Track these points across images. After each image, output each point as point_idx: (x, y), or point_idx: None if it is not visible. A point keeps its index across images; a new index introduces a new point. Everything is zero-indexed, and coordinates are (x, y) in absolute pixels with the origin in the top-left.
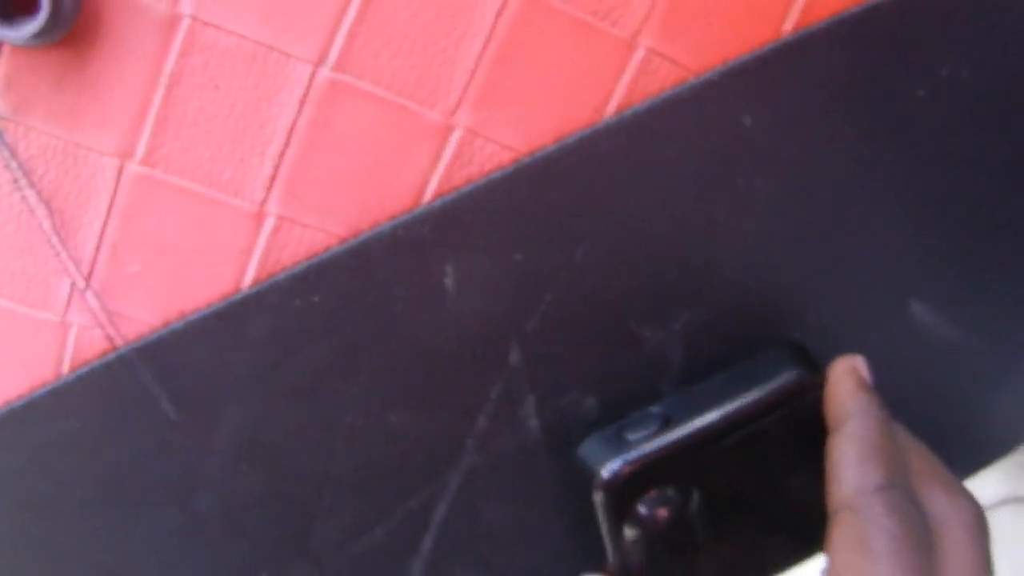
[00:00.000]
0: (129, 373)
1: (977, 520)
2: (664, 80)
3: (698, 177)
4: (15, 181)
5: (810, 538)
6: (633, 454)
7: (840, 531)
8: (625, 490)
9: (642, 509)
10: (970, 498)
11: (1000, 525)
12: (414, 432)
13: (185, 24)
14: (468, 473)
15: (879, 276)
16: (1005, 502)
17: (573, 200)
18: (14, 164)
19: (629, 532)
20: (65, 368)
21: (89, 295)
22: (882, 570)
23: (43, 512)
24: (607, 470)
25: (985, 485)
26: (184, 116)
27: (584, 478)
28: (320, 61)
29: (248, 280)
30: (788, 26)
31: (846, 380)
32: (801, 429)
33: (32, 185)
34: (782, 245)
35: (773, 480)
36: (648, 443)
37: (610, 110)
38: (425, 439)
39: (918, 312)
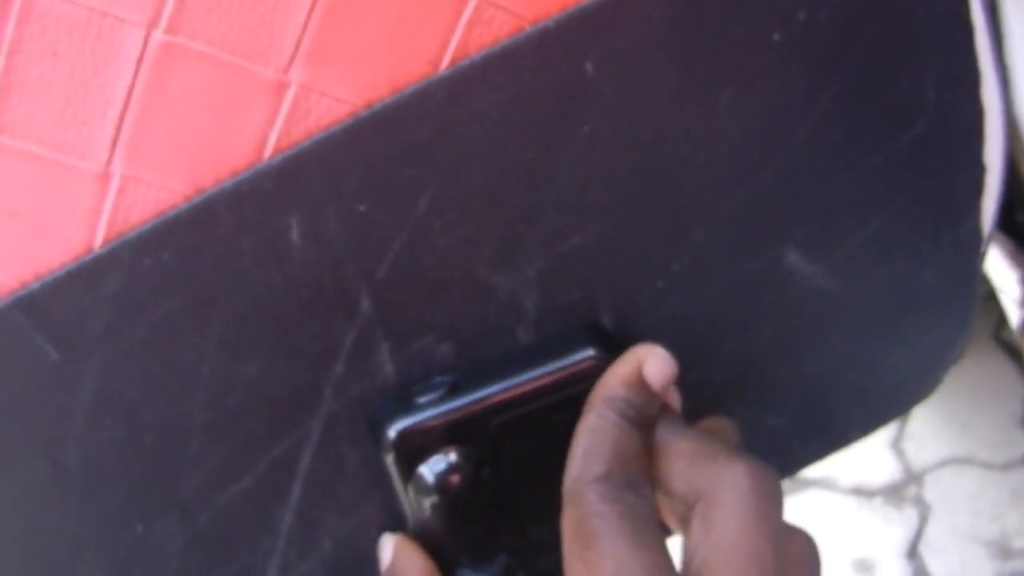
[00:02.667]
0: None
1: (748, 478)
2: (499, 30)
3: (541, 126)
4: None
5: None
6: (419, 416)
7: (564, 522)
8: (411, 451)
9: (430, 472)
10: (745, 462)
11: (940, 486)
12: (272, 381)
13: None
14: (329, 420)
15: (748, 226)
16: (945, 463)
17: (413, 151)
18: None
19: (420, 495)
20: None
21: None
22: (597, 549)
23: None
24: (393, 430)
25: (926, 446)
26: (26, 82)
27: (375, 438)
28: (153, 24)
29: (99, 240)
30: None
31: (614, 369)
32: None
33: None
34: (635, 194)
35: (563, 462)
36: (435, 407)
37: (445, 62)
38: (284, 388)
39: (794, 263)
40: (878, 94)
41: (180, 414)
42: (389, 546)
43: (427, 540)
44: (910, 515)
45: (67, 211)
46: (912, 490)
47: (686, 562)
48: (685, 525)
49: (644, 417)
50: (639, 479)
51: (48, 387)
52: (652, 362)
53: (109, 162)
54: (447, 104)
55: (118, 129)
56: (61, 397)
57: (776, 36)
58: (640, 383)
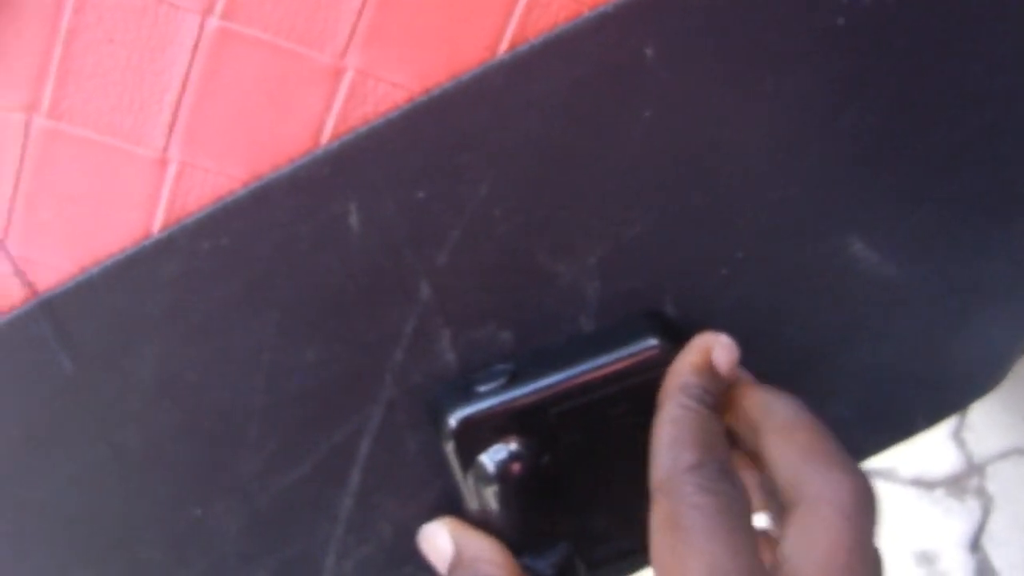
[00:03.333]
0: (50, 316)
1: (854, 498)
2: (557, 14)
3: (601, 112)
4: None
5: None
6: (479, 405)
7: (655, 514)
8: (472, 440)
9: (490, 461)
10: (852, 475)
11: (1002, 478)
12: (332, 367)
13: None
14: (389, 406)
15: (812, 213)
16: (1007, 454)
17: (473, 137)
18: None
19: (480, 483)
20: None
21: (9, 245)
22: (693, 543)
23: None
24: (453, 418)
25: (987, 437)
26: (83, 69)
27: (435, 427)
28: (208, 11)
29: (157, 225)
30: None
31: (683, 359)
32: (654, 402)
33: None
34: (698, 180)
35: (625, 452)
36: (495, 395)
37: (503, 47)
38: (344, 374)
39: (858, 250)
40: (947, 78)
41: (239, 399)
42: (443, 534)
43: (486, 529)
44: (972, 507)
45: (125, 197)
46: (974, 481)
47: (777, 564)
48: (772, 510)
49: (719, 405)
50: (730, 467)
51: (107, 371)
52: (719, 350)
53: (166, 148)
54: (505, 90)
55: (175, 115)
56: (120, 381)
57: (840, 20)
58: (711, 371)
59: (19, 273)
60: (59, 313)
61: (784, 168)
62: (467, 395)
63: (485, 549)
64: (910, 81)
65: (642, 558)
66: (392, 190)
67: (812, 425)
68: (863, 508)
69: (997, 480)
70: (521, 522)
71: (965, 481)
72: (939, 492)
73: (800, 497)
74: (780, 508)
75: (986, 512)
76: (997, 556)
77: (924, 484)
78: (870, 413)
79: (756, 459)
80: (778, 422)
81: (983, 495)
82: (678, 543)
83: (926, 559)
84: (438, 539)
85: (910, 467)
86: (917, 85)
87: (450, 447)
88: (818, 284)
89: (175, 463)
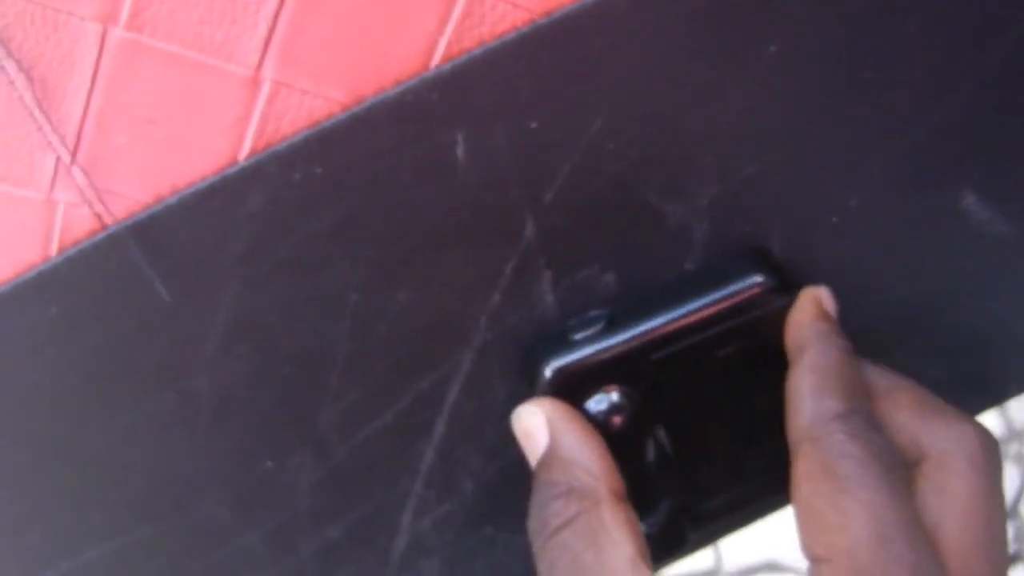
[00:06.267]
0: (121, 252)
1: (981, 447)
2: None
3: (728, 42)
4: None
5: (781, 467)
6: (576, 353)
7: (803, 463)
8: (569, 390)
9: (589, 412)
10: (975, 426)
11: None
12: (425, 310)
13: None
14: (482, 351)
15: (931, 163)
16: None
17: (591, 65)
18: None
19: None
20: (53, 249)
21: (76, 170)
22: (851, 491)
23: (31, 401)
24: (549, 368)
25: None
26: None
27: (528, 377)
28: None
29: (245, 152)
30: None
31: (807, 308)
32: (764, 343)
33: (10, 55)
34: (816, 121)
35: (735, 398)
36: (592, 343)
37: None
38: (436, 317)
39: (969, 205)
40: None
41: (322, 343)
42: (540, 420)
43: None
44: (1012, 473)
45: (211, 120)
46: (1014, 447)
47: None
48: None
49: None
50: (873, 414)
51: (176, 313)
52: (827, 302)
53: (259, 66)
54: (630, 13)
55: (271, 29)
56: (191, 323)
57: None
58: (831, 318)
59: (87, 202)
60: (130, 251)
61: (902, 112)
62: (563, 343)
63: (585, 452)
64: None
65: (752, 510)
66: (503, 119)
67: (910, 384)
68: (991, 456)
69: None
70: (623, 479)
71: (1005, 446)
72: None
73: (924, 454)
74: None
75: None
76: None
77: None
78: (964, 376)
79: None
80: (879, 385)
81: (1022, 461)
82: (837, 493)
83: None
84: (533, 424)
85: None
86: None
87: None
88: (925, 238)
89: (247, 413)
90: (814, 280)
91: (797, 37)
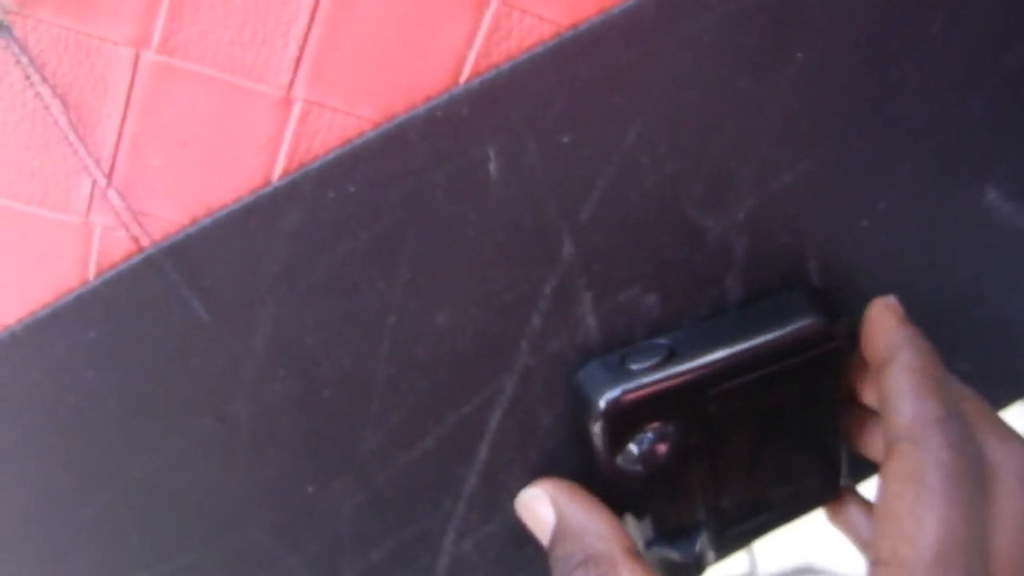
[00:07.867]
0: (158, 274)
1: None
2: None
3: (754, 50)
4: (27, 77)
5: (809, 497)
6: (634, 384)
7: (897, 461)
8: (623, 421)
9: (638, 443)
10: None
11: None
12: (464, 333)
13: None
14: (524, 376)
15: (954, 162)
16: None
17: (621, 77)
18: (25, 59)
19: (626, 467)
20: (91, 273)
21: (111, 193)
22: (933, 504)
23: (70, 426)
24: (605, 399)
25: None
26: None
27: (581, 405)
28: None
29: (278, 171)
30: None
31: (888, 316)
32: (813, 380)
33: (45, 80)
34: (845, 126)
35: (779, 432)
36: (650, 374)
37: None
38: (477, 340)
39: (993, 200)
40: None
41: (361, 366)
42: (544, 502)
43: (624, 514)
44: None
45: (243, 140)
46: None
47: None
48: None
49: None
50: (967, 420)
51: (216, 336)
52: (899, 307)
53: (291, 86)
54: (657, 25)
55: (301, 49)
56: (230, 347)
57: None
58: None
59: (124, 225)
60: (167, 273)
61: (928, 112)
62: (618, 372)
63: (593, 520)
64: None
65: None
66: (535, 134)
67: (973, 394)
68: None
69: None
70: (662, 508)
71: None
72: None
73: None
74: None
75: None
76: None
77: None
78: (991, 370)
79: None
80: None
81: None
82: (918, 501)
83: None
84: (538, 507)
85: None
86: None
87: (598, 428)
88: (951, 235)
89: (287, 438)
90: (848, 285)
91: (823, 41)
